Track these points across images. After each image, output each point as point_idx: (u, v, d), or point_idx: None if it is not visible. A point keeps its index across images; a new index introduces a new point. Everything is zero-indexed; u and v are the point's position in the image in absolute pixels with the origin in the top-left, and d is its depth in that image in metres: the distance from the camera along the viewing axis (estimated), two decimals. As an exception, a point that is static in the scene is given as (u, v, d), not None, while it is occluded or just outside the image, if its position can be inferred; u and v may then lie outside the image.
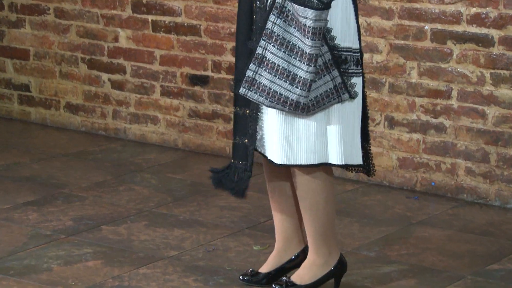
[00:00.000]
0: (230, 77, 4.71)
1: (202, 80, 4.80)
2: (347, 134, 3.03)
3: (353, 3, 3.00)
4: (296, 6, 2.84)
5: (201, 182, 4.39)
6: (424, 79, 4.22)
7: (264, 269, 3.25)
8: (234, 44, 4.66)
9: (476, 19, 4.06)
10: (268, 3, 2.94)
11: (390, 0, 4.23)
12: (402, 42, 4.24)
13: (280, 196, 3.20)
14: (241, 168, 3.06)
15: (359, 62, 3.02)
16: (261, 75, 2.91)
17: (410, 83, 4.25)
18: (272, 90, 2.90)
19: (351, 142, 3.05)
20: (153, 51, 4.90)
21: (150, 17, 4.87)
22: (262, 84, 2.91)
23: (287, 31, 2.89)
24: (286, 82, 2.89)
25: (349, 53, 3.00)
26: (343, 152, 3.02)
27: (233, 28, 4.65)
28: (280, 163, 3.01)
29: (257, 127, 3.04)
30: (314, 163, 3.00)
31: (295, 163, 3.01)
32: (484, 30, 4.05)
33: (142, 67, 4.94)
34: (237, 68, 3.05)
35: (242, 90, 2.93)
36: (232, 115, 4.72)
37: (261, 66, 2.90)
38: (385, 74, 4.31)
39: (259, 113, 3.03)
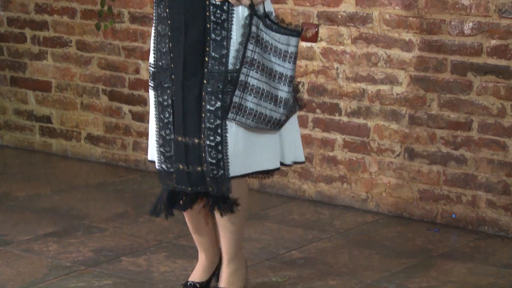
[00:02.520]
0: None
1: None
2: (290, 135, 3.30)
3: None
4: (278, 35, 3.12)
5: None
6: (445, 111, 4.21)
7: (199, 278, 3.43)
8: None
9: (496, 51, 4.06)
10: (232, 34, 3.09)
11: (410, 32, 4.24)
12: (422, 74, 4.24)
13: (200, 222, 3.39)
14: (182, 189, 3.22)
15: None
16: (246, 100, 3.11)
17: (430, 114, 4.25)
18: (258, 112, 3.13)
19: (294, 142, 3.32)
20: (173, 83, 4.93)
21: (170, 49, 4.90)
22: (248, 108, 3.12)
23: (264, 58, 3.12)
24: (271, 104, 3.14)
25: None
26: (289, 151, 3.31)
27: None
28: (237, 174, 3.17)
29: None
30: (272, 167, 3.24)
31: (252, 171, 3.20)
32: (504, 62, 4.05)
33: (163, 99, 4.97)
34: (184, 103, 3.17)
35: (230, 116, 3.11)
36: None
37: (246, 91, 3.11)
38: (405, 105, 4.30)
39: (225, 138, 3.16)
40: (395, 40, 4.27)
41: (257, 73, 3.10)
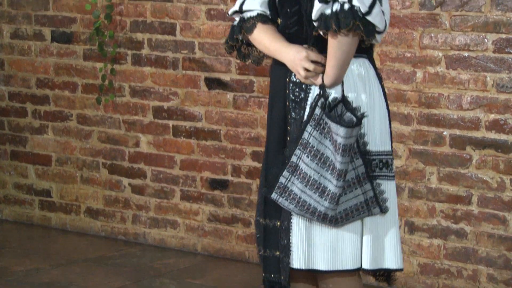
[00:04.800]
0: (250, 181, 4.73)
1: (222, 185, 4.82)
2: (380, 238, 2.98)
3: (386, 108, 3.02)
4: (329, 122, 2.85)
5: (221, 287, 4.35)
6: (444, 185, 4.22)
7: None
8: (253, 148, 4.70)
9: (495, 125, 4.08)
10: (306, 114, 2.95)
11: (408, 106, 4.26)
12: (421, 147, 4.26)
13: None
14: (276, 281, 3.03)
15: (389, 165, 2.98)
16: (293, 183, 2.91)
17: (430, 188, 4.25)
18: (302, 200, 2.90)
19: (390, 245, 3.00)
20: (173, 156, 4.94)
21: (171, 122, 4.92)
22: (293, 192, 2.91)
23: (322, 143, 2.88)
24: (316, 194, 2.88)
25: (382, 156, 3.00)
26: (373, 256, 2.98)
27: (253, 133, 4.69)
28: (326, 269, 2.95)
29: (289, 238, 3.02)
30: (353, 267, 2.96)
31: (339, 269, 2.96)
32: (503, 136, 4.07)
33: (163, 172, 4.98)
34: (270, 175, 3.05)
35: (274, 195, 2.93)
36: (252, 220, 4.72)
37: (294, 174, 2.90)
38: (404, 179, 4.31)
39: (290, 224, 3.00)
40: (394, 114, 4.30)
41: (308, 157, 2.88)
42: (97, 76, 5.08)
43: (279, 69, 3.01)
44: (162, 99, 4.92)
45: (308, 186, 2.89)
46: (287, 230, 2.98)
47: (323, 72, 2.91)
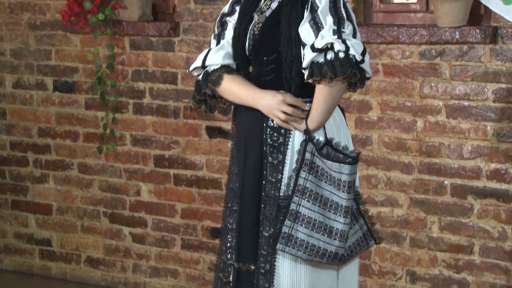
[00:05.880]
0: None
1: (223, 234, 4.81)
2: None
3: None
4: (329, 162, 2.93)
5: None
6: (446, 234, 4.20)
7: None
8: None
9: (496, 175, 4.08)
10: (287, 158, 2.99)
11: (409, 155, 4.27)
12: (422, 196, 4.25)
13: None
14: None
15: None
16: (297, 230, 2.94)
17: (431, 237, 4.24)
18: (310, 244, 2.94)
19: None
20: (174, 205, 4.94)
21: (172, 171, 4.93)
22: (299, 239, 2.94)
23: (319, 186, 2.95)
24: (324, 235, 2.94)
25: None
26: None
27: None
28: None
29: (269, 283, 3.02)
30: None
31: None
32: (504, 186, 4.06)
33: (163, 221, 4.97)
34: (243, 221, 3.06)
35: (279, 246, 2.95)
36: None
37: (297, 221, 2.94)
38: (406, 228, 4.30)
39: (274, 268, 3.02)
40: (394, 163, 4.30)
41: (309, 202, 2.93)
42: (99, 125, 5.09)
43: (253, 115, 3.05)
44: (163, 148, 4.93)
45: (314, 230, 2.94)
46: (270, 273, 2.99)
47: (305, 117, 2.95)
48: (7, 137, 5.41)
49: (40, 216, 5.36)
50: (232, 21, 3.17)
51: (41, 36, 5.21)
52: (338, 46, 2.86)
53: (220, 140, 4.78)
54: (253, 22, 3.07)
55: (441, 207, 4.21)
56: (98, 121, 5.10)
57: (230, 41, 3.15)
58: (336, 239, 2.94)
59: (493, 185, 4.08)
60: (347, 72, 2.85)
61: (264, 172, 3.02)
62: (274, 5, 3.04)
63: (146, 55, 4.92)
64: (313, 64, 2.89)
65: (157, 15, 4.94)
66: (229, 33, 3.16)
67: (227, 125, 4.74)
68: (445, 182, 4.19)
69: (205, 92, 3.16)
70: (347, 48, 2.86)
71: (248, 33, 3.05)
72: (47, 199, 5.33)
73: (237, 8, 3.17)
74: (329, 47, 2.87)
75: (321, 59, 2.88)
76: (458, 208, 4.17)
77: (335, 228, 2.94)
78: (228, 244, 3.09)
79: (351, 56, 2.87)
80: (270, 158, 3.01)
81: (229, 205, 3.13)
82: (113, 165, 5.09)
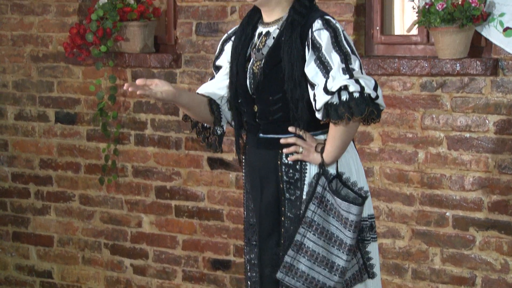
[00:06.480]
0: (253, 262, 4.70)
1: (224, 265, 4.79)
2: None
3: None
4: (339, 200, 2.94)
5: None
6: (448, 266, 4.19)
7: None
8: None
9: (497, 206, 4.07)
10: (304, 193, 2.99)
11: (411, 186, 4.26)
12: (424, 228, 4.24)
13: None
14: None
15: (373, 227, 3.10)
16: (299, 261, 2.96)
17: (433, 269, 4.22)
18: (310, 276, 2.96)
19: None
20: (175, 236, 4.93)
21: (173, 202, 4.92)
22: (300, 270, 2.96)
23: (326, 221, 2.96)
24: (325, 270, 2.96)
25: (371, 220, 3.10)
26: None
27: (255, 214, 4.68)
28: None
29: None
30: None
31: None
32: (506, 218, 4.05)
33: (165, 252, 4.95)
34: (265, 257, 3.06)
35: (279, 275, 2.97)
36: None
37: (300, 252, 2.96)
38: (407, 260, 4.28)
39: None
40: (396, 194, 4.30)
41: (315, 235, 2.95)
42: (100, 157, 5.09)
43: (265, 153, 3.05)
44: (164, 179, 4.93)
45: (316, 263, 2.95)
46: None
47: (320, 150, 2.95)
48: (9, 168, 5.42)
49: (41, 247, 5.35)
50: (222, 63, 3.21)
51: (44, 68, 5.23)
52: (353, 87, 2.86)
53: (222, 171, 4.78)
54: (251, 61, 3.07)
55: (443, 238, 4.20)
56: (99, 153, 5.10)
57: (220, 80, 3.19)
58: (336, 275, 2.95)
59: (495, 217, 4.07)
60: (365, 111, 2.86)
61: (283, 208, 3.02)
62: (270, 42, 3.03)
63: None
64: (327, 105, 2.89)
65: (159, 47, 4.96)
66: (219, 74, 3.22)
67: (229, 156, 4.75)
68: (447, 213, 4.18)
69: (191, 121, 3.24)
70: (362, 88, 2.86)
71: (248, 72, 3.06)
72: (48, 230, 5.32)
73: (226, 48, 3.19)
74: (343, 88, 2.87)
75: (335, 100, 2.88)
76: (460, 240, 4.16)
77: (336, 264, 2.96)
78: (253, 279, 3.11)
79: (365, 95, 2.86)
80: (287, 195, 3.02)
81: (249, 239, 3.13)
82: (115, 197, 5.09)
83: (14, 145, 5.39)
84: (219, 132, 3.21)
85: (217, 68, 3.24)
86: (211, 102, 3.18)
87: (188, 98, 3.12)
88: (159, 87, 2.99)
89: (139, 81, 2.97)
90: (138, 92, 2.96)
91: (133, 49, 4.90)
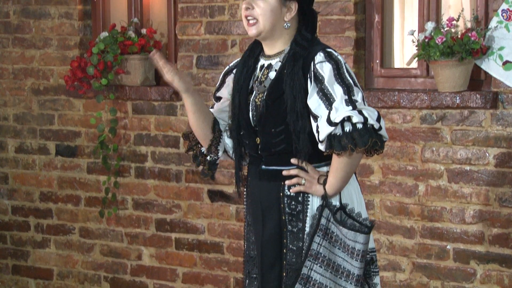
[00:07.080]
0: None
1: (224, 299, 4.78)
2: None
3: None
4: (345, 230, 2.94)
5: None
6: (449, 299, 4.18)
7: None
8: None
9: (498, 240, 4.06)
10: (307, 225, 2.99)
11: (411, 219, 4.26)
12: (425, 261, 4.23)
13: None
14: None
15: (374, 261, 3.09)
16: None
17: (434, 302, 4.21)
18: None
19: None
20: (175, 269, 4.91)
21: (173, 235, 4.91)
22: None
23: (332, 252, 2.96)
24: None
25: (372, 253, 3.09)
26: None
27: (256, 246, 4.67)
28: None
29: None
30: None
31: None
32: (507, 251, 4.05)
33: (165, 285, 4.94)
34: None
35: None
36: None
37: (307, 286, 2.95)
38: (409, 293, 4.28)
39: None
40: (397, 227, 4.29)
41: (321, 267, 2.94)
42: (101, 189, 5.09)
43: (267, 184, 3.05)
44: (165, 212, 4.93)
45: None
46: None
47: (323, 182, 2.94)
48: (9, 201, 5.41)
49: (40, 281, 5.33)
50: (222, 95, 3.22)
51: (44, 101, 5.25)
52: (356, 118, 2.86)
53: (222, 204, 4.78)
54: (253, 93, 3.08)
55: (444, 272, 4.19)
56: (100, 185, 5.10)
57: (221, 108, 3.21)
58: None
59: (496, 250, 4.07)
60: (368, 142, 2.87)
61: (285, 240, 3.01)
62: (272, 74, 3.05)
63: (149, 119, 4.95)
64: (331, 136, 2.89)
65: (160, 80, 4.98)
66: (219, 104, 3.23)
67: (229, 189, 4.75)
68: (448, 246, 4.18)
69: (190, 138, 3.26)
70: (365, 119, 2.86)
71: (250, 104, 3.07)
72: (48, 264, 5.30)
73: (227, 80, 3.20)
74: (346, 119, 2.88)
75: (339, 131, 2.88)
76: (461, 273, 4.15)
77: None
78: None
79: (369, 126, 2.87)
80: (289, 227, 3.01)
81: (249, 272, 3.12)
82: (115, 229, 5.08)
83: (15, 178, 5.39)
84: (213, 158, 3.20)
85: (218, 99, 3.25)
86: (215, 122, 3.18)
87: (199, 100, 3.12)
88: (179, 74, 3.05)
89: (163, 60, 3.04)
90: (161, 63, 3.00)
91: (133, 82, 4.92)
